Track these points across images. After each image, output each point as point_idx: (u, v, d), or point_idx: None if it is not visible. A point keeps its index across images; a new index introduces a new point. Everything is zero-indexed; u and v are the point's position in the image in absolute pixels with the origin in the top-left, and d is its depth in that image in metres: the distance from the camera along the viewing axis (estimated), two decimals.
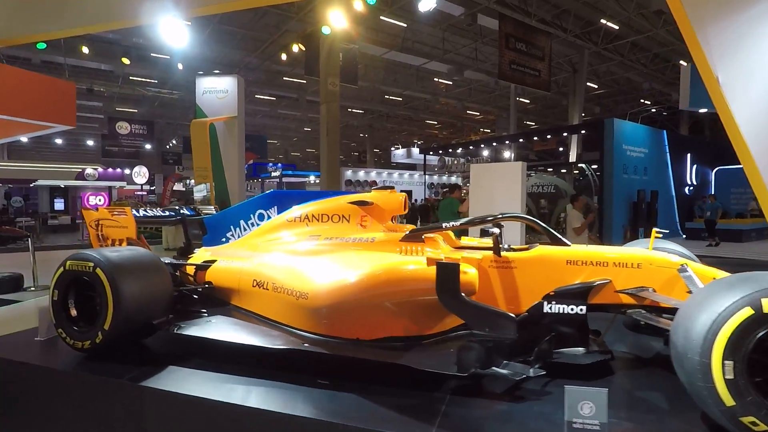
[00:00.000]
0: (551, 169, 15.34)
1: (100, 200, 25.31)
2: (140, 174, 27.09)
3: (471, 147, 19.73)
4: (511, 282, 2.44)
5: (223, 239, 3.42)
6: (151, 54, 16.79)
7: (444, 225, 2.63)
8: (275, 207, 3.25)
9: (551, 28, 16.82)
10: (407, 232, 2.72)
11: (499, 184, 5.09)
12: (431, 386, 2.20)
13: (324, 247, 2.85)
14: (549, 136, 19.02)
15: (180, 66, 14.85)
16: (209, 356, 2.66)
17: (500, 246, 2.47)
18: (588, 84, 21.87)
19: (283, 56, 14.77)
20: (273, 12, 15.88)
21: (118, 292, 2.55)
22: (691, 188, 15.64)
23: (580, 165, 13.71)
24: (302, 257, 2.81)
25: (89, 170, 24.11)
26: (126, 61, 14.02)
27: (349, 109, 30.13)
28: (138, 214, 3.44)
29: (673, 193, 14.92)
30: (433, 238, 2.69)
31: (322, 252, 2.81)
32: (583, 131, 15.41)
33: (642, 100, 25.50)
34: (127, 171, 28.12)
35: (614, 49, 19.05)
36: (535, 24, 16.19)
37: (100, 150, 29.35)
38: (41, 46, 11.47)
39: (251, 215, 3.31)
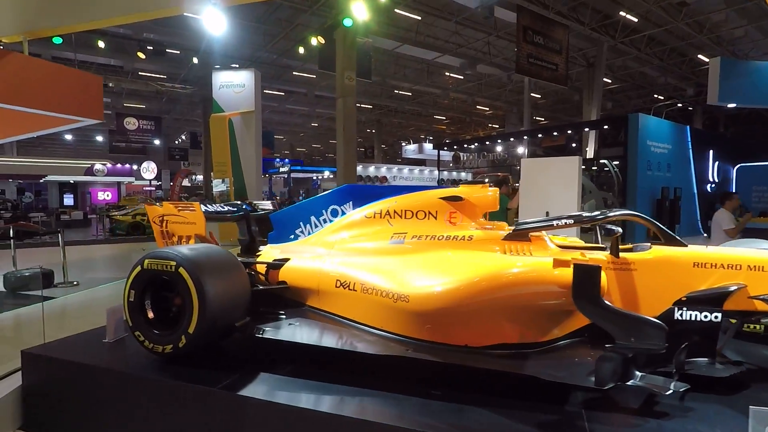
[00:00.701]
0: None
1: (108, 196, 25.22)
2: (148, 170, 26.98)
3: (487, 142, 19.49)
4: (631, 286, 2.27)
5: (291, 236, 3.25)
6: (165, 49, 16.52)
7: (555, 222, 2.45)
8: (350, 202, 3.07)
9: (569, 21, 16.59)
10: (511, 230, 2.54)
11: (554, 180, 4.91)
12: (555, 398, 2.03)
13: (414, 246, 2.67)
14: (568, 132, 18.68)
15: (195, 60, 14.61)
16: (296, 361, 2.49)
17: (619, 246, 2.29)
18: None
19: (301, 50, 14.52)
20: (286, 5, 15.64)
21: (203, 292, 2.38)
22: (713, 186, 15.41)
23: (601, 161, 13.50)
24: (393, 257, 2.63)
25: (98, 166, 24.00)
26: (141, 55, 13.80)
27: (358, 104, 29.85)
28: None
29: (695, 191, 14.70)
30: (540, 236, 2.51)
31: (414, 251, 2.64)
32: (604, 126, 15.16)
33: (655, 95, 25.23)
34: (134, 167, 27.96)
35: (630, 42, 18.81)
36: (552, 16, 15.96)
37: (108, 145, 29.16)
38: (57, 40, 11.26)
39: (323, 211, 3.13)
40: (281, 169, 27.85)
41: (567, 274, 1.99)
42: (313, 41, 13.37)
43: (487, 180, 15.31)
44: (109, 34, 15.92)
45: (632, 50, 19.27)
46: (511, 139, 18.75)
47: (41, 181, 22.10)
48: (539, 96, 26.81)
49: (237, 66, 13.47)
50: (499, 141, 18.99)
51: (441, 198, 2.77)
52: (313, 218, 3.17)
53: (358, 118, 32.57)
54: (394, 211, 2.88)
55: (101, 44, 12.71)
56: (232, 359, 2.64)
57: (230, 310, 2.55)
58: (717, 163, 15.57)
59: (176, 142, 32.23)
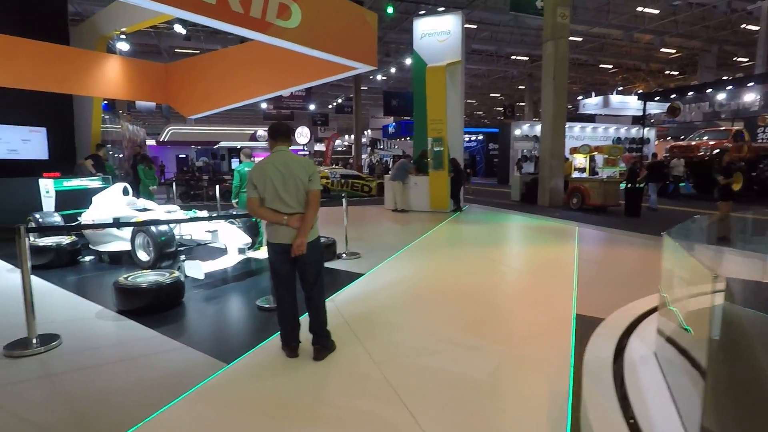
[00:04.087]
0: None
1: None
2: (302, 134, 27.33)
3: (730, 86, 15.67)
4: None
5: None
6: None
7: None
8: None
9: None
10: None
11: None
12: None
13: None
14: None
15: (390, 9, 13.25)
16: None
17: None
18: None
19: None
20: None
21: None
22: None
23: None
24: None
25: (260, 132, 24.72)
26: None
27: (512, 56, 27.05)
28: None
29: None
30: None
31: None
32: None
33: None
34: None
35: None
36: None
37: (261, 112, 30.15)
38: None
39: None
40: None
41: None
42: None
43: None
44: None
45: None
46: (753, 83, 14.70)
47: (215, 147, 23.32)
48: (757, 28, 21.48)
49: (442, 9, 11.80)
50: (751, 83, 14.96)
51: None
52: None
53: (507, 72, 29.89)
54: None
55: None
56: None
57: None
58: None
59: (329, 106, 32.38)
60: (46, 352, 3.13)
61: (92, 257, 6.03)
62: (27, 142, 8.64)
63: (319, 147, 36.75)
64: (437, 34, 11.80)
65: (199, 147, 23.44)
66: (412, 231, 8.59)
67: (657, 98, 16.21)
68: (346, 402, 2.56)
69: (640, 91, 25.96)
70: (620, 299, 4.42)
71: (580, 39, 23.89)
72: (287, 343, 3.13)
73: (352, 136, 30.86)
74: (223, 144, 23.14)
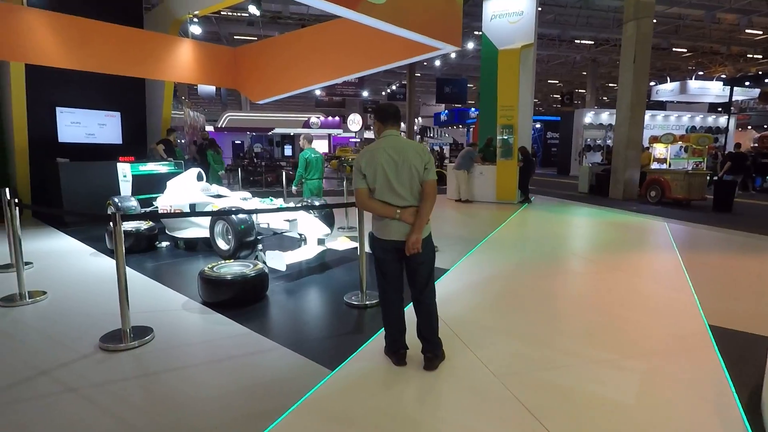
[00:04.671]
0: None
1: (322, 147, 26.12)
2: (354, 122, 27.19)
3: None
4: None
5: None
6: None
7: None
8: None
9: None
10: None
11: None
12: None
13: None
14: None
15: None
16: None
17: None
18: None
19: None
20: None
21: None
22: None
23: None
24: None
25: (313, 119, 24.73)
26: None
27: (576, 40, 25.50)
28: None
29: None
30: None
31: None
32: None
33: None
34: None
35: None
36: None
37: (314, 99, 30.16)
38: None
39: None
40: None
41: None
42: None
43: None
44: None
45: None
46: None
47: (269, 133, 23.54)
48: None
49: None
50: None
51: None
52: None
53: (569, 58, 28.33)
54: None
55: None
56: None
57: None
58: None
59: (381, 93, 32.04)
60: (140, 347, 2.98)
61: (168, 243, 6.00)
62: (103, 127, 8.84)
63: (369, 134, 36.56)
64: (509, 15, 11.11)
65: (254, 133, 23.75)
66: (483, 223, 8.14)
67: (747, 83, 14.63)
68: (475, 424, 2.20)
69: (723, 75, 23.73)
70: (760, 310, 3.86)
71: (654, 20, 22.17)
72: (394, 350, 2.81)
73: (403, 124, 30.38)
74: (277, 131, 23.32)
